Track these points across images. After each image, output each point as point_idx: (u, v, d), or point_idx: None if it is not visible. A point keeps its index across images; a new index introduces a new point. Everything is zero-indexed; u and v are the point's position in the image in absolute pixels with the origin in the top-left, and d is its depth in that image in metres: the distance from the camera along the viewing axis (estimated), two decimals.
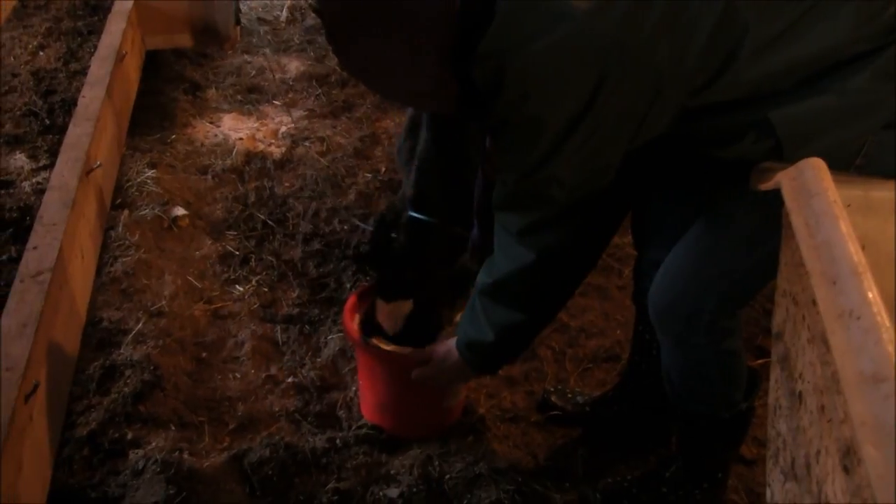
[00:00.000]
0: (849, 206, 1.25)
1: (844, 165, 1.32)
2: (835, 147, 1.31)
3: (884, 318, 0.84)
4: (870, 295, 0.85)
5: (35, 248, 1.79)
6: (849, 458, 0.92)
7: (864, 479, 0.86)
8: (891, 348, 0.80)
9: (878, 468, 0.73)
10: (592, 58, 1.20)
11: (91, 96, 2.43)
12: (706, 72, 1.27)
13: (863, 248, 1.30)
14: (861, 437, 0.75)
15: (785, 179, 1.09)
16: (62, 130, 2.51)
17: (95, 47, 2.88)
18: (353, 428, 2.02)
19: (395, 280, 1.87)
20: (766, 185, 1.26)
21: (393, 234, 1.89)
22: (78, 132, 2.25)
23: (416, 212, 1.90)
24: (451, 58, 1.26)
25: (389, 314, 1.88)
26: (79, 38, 3.52)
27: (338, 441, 1.99)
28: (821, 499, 1.05)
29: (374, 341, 1.93)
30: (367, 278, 2.45)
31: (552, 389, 2.17)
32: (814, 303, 1.07)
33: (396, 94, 1.43)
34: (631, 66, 1.21)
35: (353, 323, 1.95)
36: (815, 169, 1.05)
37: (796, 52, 1.27)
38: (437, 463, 1.92)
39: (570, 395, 2.15)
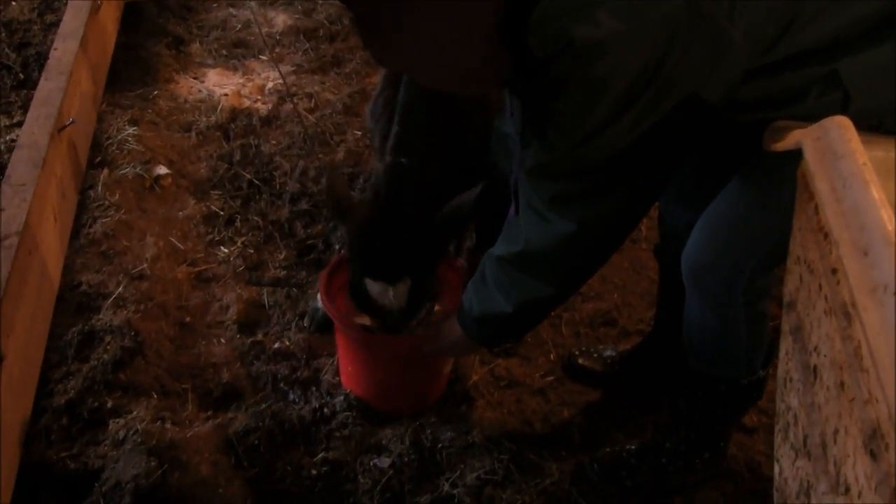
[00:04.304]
0: None
1: None
2: None
3: None
4: None
5: (1, 210, 1.70)
6: (875, 441, 0.85)
7: (894, 466, 0.79)
8: None
9: None
10: (660, 21, 1.14)
11: (64, 49, 2.31)
12: (771, 34, 1.21)
13: None
14: None
15: (808, 139, 1.00)
16: (37, 85, 2.40)
17: None
18: (343, 395, 1.95)
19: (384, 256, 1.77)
20: (784, 145, 1.18)
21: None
22: (50, 87, 2.14)
23: (397, 157, 1.80)
24: (503, 28, 1.19)
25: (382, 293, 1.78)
26: None
27: (326, 409, 1.92)
28: (839, 480, 0.99)
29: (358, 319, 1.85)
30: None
31: (577, 352, 2.12)
32: (833, 272, 0.99)
33: (445, 78, 1.33)
34: (699, 31, 1.15)
35: (334, 303, 1.87)
36: (842, 128, 0.97)
37: (864, 4, 1.20)
38: (429, 431, 1.87)
39: (595, 355, 2.11)
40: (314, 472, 1.80)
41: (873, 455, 0.83)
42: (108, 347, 1.99)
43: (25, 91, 2.76)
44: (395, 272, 1.75)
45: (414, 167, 1.79)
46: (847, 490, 0.94)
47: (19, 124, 2.57)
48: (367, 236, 1.77)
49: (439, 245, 1.83)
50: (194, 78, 3.30)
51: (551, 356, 2.16)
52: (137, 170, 2.61)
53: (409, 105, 1.83)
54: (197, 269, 2.37)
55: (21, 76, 2.86)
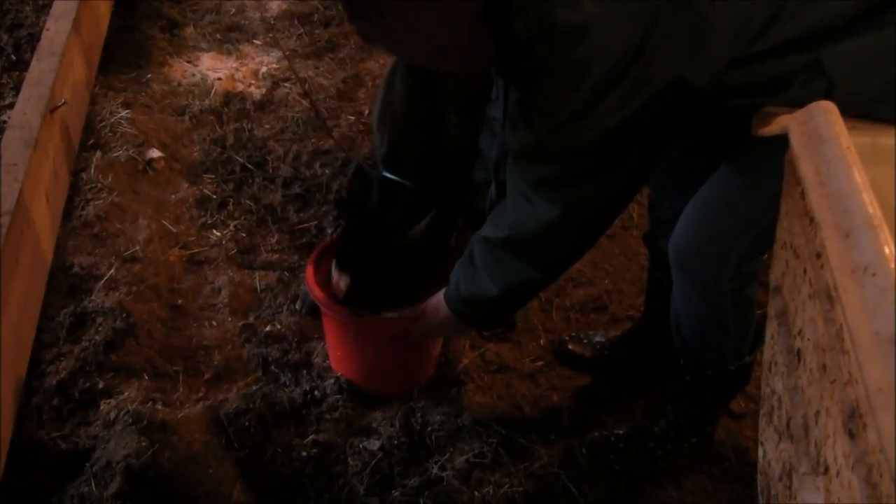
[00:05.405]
0: None
1: (893, 107, 1.26)
2: (888, 86, 1.25)
3: None
4: (886, 250, 0.78)
5: None
6: (853, 421, 0.86)
7: (871, 445, 0.80)
8: None
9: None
10: (640, 5, 1.16)
11: (56, 30, 2.30)
12: (757, 24, 1.22)
13: None
14: (877, 403, 0.69)
15: (794, 124, 1.01)
16: (29, 67, 2.39)
17: None
18: (333, 378, 1.96)
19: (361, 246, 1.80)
20: (770, 130, 1.19)
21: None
22: (42, 67, 2.13)
23: (388, 171, 1.80)
24: (487, 8, 1.21)
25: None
26: None
27: (317, 392, 1.93)
28: (819, 461, 1.00)
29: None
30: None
31: (567, 338, 2.13)
32: (818, 256, 1.00)
33: (427, 56, 1.34)
34: (680, 16, 1.17)
35: (320, 287, 1.88)
36: (827, 113, 0.97)
37: None
38: (418, 415, 1.88)
39: (585, 341, 2.12)
40: (304, 453, 1.81)
41: (851, 435, 0.85)
42: (100, 329, 1.99)
43: (18, 73, 2.73)
44: (341, 261, 1.80)
45: (403, 186, 1.80)
46: (826, 470, 0.95)
47: (11, 106, 2.56)
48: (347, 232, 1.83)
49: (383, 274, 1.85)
50: (188, 61, 3.29)
51: (541, 341, 2.17)
52: (130, 153, 2.60)
53: (399, 114, 1.82)
54: (189, 252, 2.37)
55: (13, 58, 2.83)
